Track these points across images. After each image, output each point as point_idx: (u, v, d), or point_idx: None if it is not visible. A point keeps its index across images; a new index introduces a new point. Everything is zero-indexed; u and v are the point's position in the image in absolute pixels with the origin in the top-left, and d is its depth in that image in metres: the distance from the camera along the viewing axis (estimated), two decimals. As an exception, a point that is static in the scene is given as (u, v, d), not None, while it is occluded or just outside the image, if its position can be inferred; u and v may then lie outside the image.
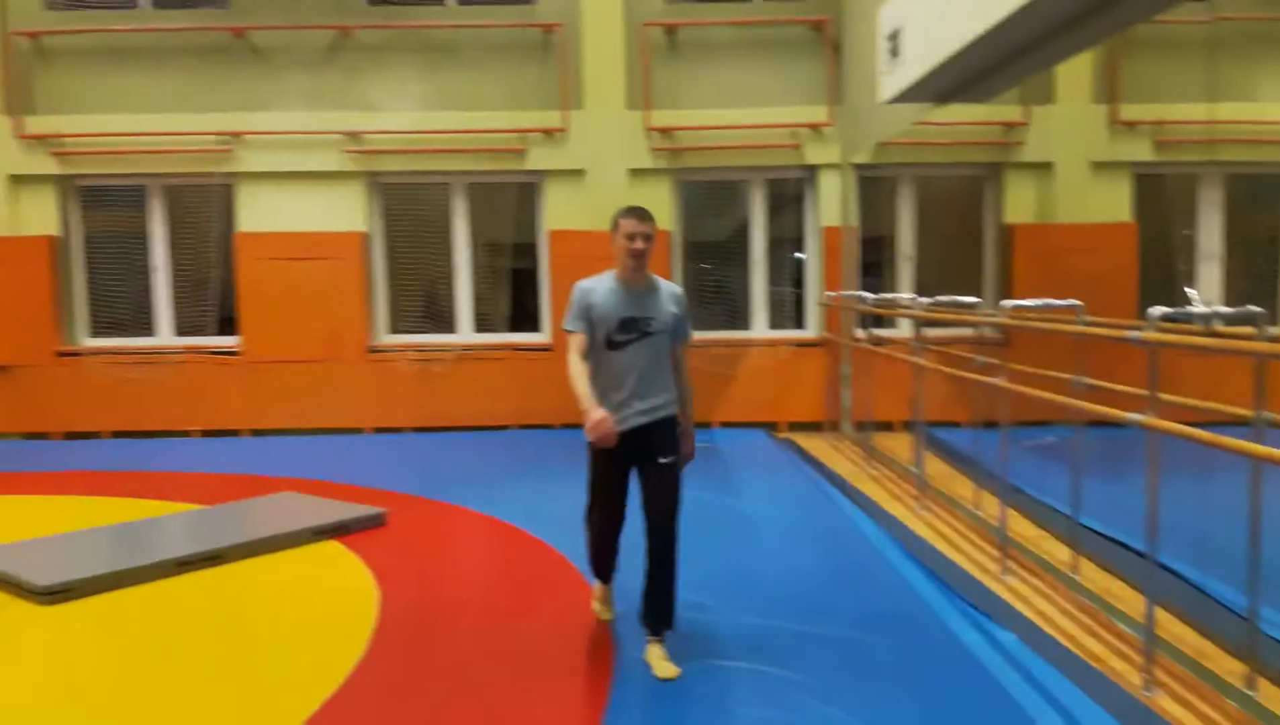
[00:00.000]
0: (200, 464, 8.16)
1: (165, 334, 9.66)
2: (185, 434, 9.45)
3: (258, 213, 9.43)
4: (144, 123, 9.24)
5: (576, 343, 3.75)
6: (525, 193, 9.64)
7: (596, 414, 3.55)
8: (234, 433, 9.48)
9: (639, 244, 3.73)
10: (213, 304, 9.66)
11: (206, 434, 9.47)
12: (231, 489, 6.83)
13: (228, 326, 9.63)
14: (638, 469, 3.81)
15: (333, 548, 5.40)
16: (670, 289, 3.90)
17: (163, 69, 9.31)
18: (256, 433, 9.47)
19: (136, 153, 9.26)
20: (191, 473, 7.81)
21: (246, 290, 9.39)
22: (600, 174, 9.33)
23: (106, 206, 9.70)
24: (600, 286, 3.80)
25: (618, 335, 3.74)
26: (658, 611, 3.77)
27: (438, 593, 4.71)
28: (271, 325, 9.39)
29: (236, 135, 9.27)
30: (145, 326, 9.68)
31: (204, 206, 9.55)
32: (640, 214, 3.77)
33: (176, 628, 4.29)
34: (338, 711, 3.38)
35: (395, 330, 9.75)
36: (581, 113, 9.29)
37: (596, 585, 4.25)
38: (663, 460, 3.76)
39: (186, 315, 9.70)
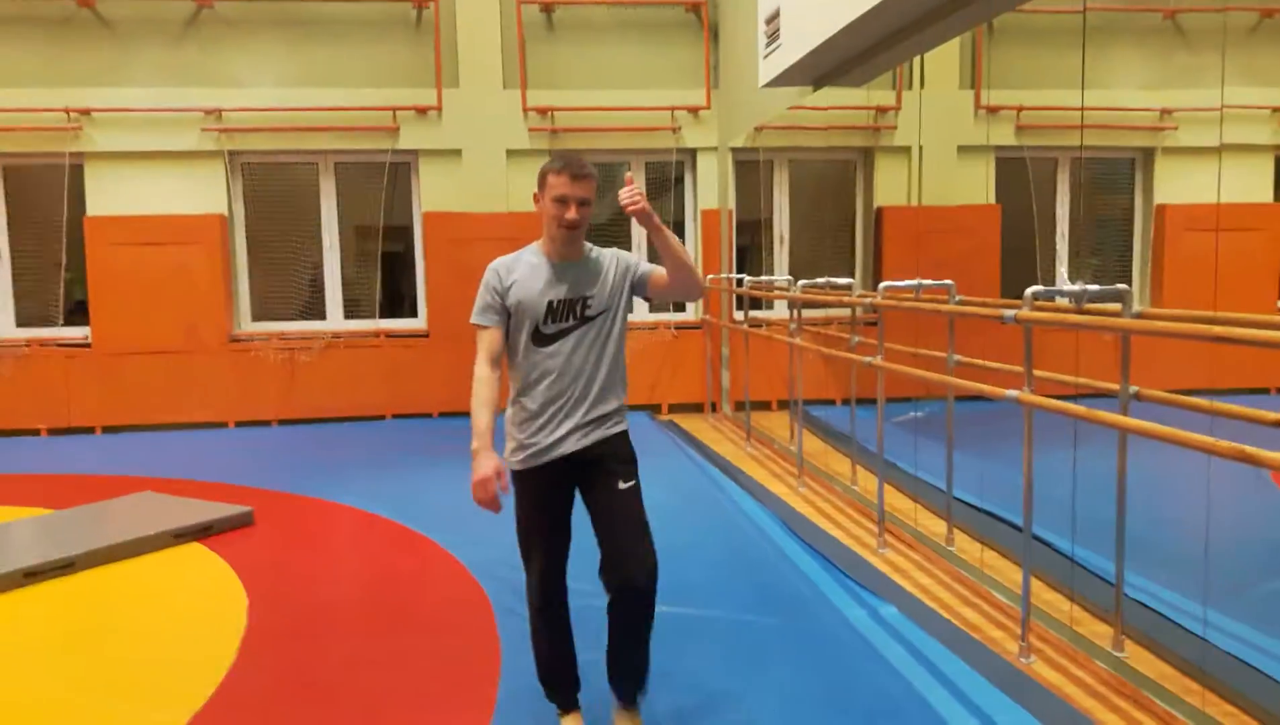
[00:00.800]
0: (49, 465, 7.62)
1: (6, 326, 8.97)
2: (32, 433, 8.82)
3: (109, 195, 8.84)
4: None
5: (486, 343, 2.84)
6: (398, 173, 9.33)
7: (482, 467, 2.72)
8: (86, 430, 8.89)
9: (573, 214, 2.77)
10: (61, 292, 9.01)
11: (55, 432, 8.85)
12: (84, 491, 6.39)
13: (77, 316, 9.01)
14: (587, 498, 2.90)
15: (196, 550, 5.10)
16: (613, 253, 2.96)
17: (1, 41, 8.60)
18: (110, 430, 8.91)
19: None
20: (39, 474, 7.28)
21: (98, 277, 8.80)
22: (477, 154, 9.10)
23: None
24: (520, 263, 2.88)
25: (548, 325, 2.83)
26: (629, 673, 2.95)
27: (310, 595, 4.49)
28: (125, 314, 8.83)
29: (85, 112, 8.65)
30: (-18, 318, 8.99)
31: (50, 188, 8.87)
32: (575, 169, 2.76)
33: (26, 644, 3.97)
34: None
35: (259, 317, 9.31)
36: (456, 91, 9.04)
37: (563, 718, 3.01)
38: (623, 485, 2.85)
39: (31, 305, 9.03)
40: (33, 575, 4.59)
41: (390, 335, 9.23)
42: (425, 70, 9.01)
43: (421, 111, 9.00)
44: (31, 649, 3.90)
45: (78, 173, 8.84)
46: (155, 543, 5.09)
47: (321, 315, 9.33)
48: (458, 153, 9.10)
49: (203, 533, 5.30)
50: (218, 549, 5.09)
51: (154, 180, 8.84)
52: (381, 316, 9.38)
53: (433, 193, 9.13)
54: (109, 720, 3.25)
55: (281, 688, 3.46)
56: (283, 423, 9.05)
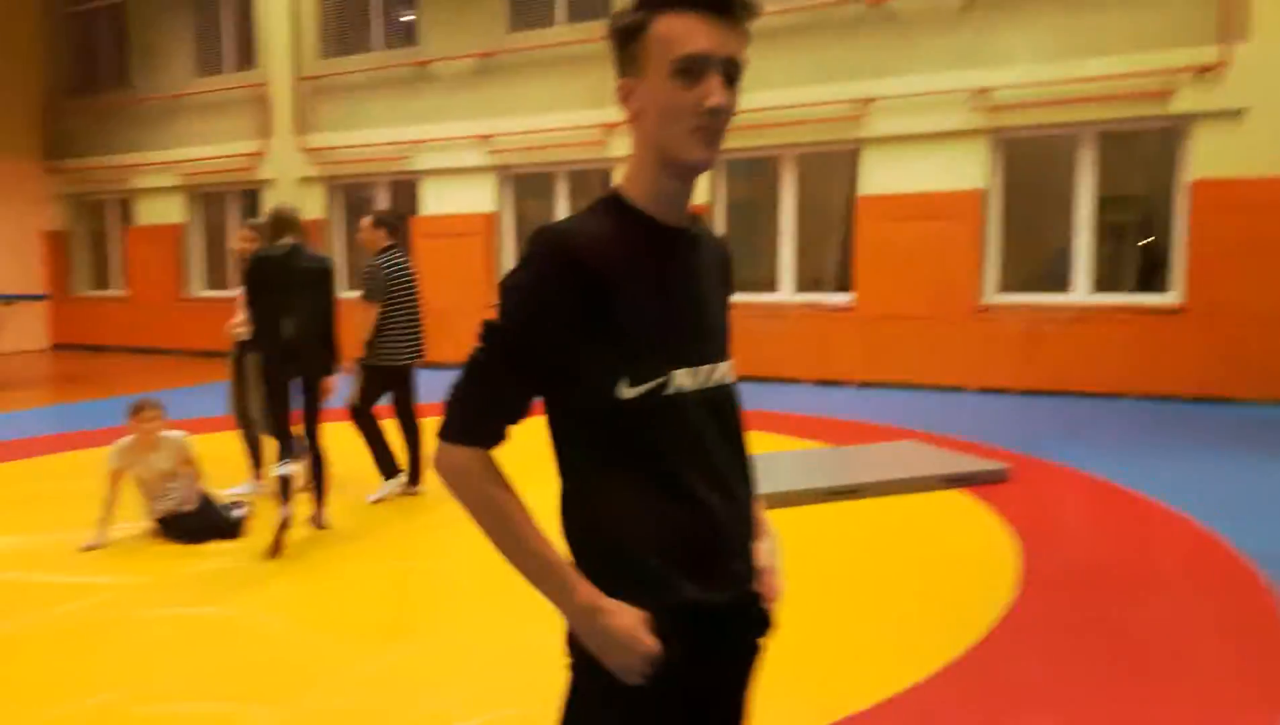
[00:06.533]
0: (813, 408, 8.74)
1: (787, 290, 10.54)
2: (794, 382, 10.17)
3: (880, 175, 9.77)
4: (776, 97, 9.83)
5: None
6: (1162, 140, 8.73)
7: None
8: (841, 383, 10.04)
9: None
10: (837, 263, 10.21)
11: (817, 382, 10.15)
12: (853, 434, 7.29)
13: (841, 283, 10.21)
14: None
15: (961, 498, 5.52)
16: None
17: (798, 45, 9.96)
18: (865, 384, 9.93)
19: (769, 126, 9.84)
20: (808, 416, 8.40)
21: (863, 249, 9.86)
22: (1270, 113, 8.13)
23: (734, 176, 10.74)
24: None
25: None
26: None
27: (1076, 552, 4.58)
28: (885, 282, 9.75)
29: (867, 101, 9.65)
30: (771, 284, 10.63)
31: (829, 172, 10.12)
32: None
33: (834, 547, 4.75)
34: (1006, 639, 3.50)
35: (1004, 289, 9.54)
36: (1244, 45, 8.14)
37: None
38: None
39: (805, 272, 10.48)
40: (832, 494, 5.44)
41: (1137, 311, 8.77)
42: (1206, 25, 8.26)
43: (1200, 72, 8.29)
44: (836, 551, 4.64)
45: (854, 157, 9.95)
46: (926, 484, 5.65)
47: (1064, 287, 9.24)
48: (1239, 113, 8.21)
49: (966, 482, 5.71)
50: (981, 498, 5.44)
51: (920, 160, 9.55)
52: (1132, 291, 8.94)
53: (1206, 159, 8.40)
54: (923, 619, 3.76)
55: (1066, 629, 3.63)
56: (1023, 392, 9.20)
